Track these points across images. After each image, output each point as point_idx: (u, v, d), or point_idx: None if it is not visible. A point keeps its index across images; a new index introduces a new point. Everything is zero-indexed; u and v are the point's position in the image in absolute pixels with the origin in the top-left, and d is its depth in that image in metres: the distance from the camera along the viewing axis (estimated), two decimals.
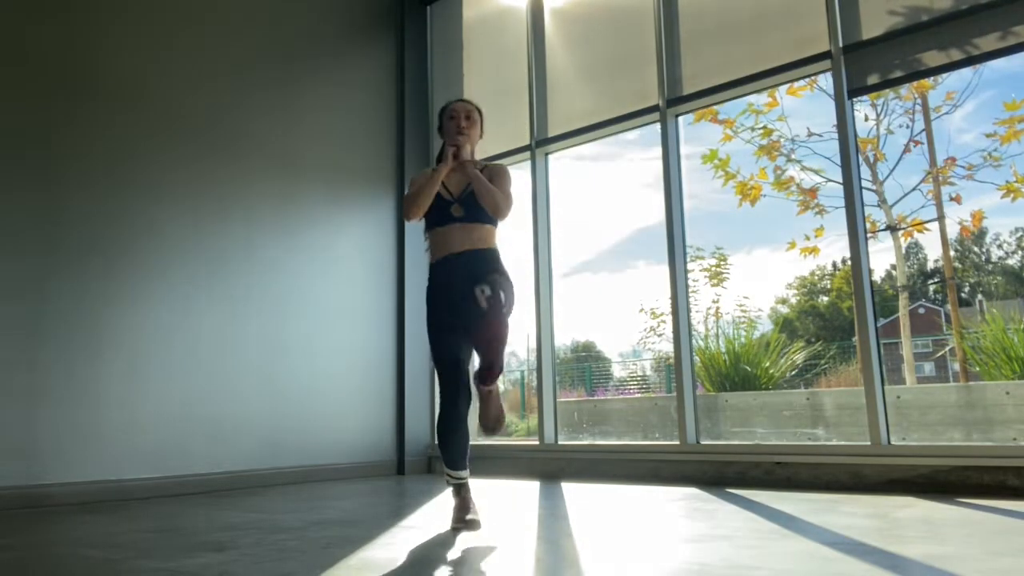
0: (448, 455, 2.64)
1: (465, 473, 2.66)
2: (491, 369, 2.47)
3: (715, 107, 5.50)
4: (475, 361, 2.67)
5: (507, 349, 2.56)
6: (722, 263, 6.81)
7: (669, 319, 4.07)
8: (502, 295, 2.47)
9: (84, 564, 2.02)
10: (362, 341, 4.88)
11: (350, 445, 4.71)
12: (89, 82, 3.87)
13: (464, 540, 2.29)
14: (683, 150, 4.25)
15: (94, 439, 3.64)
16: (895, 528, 2.29)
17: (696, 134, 6.30)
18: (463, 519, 2.53)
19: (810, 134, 6.08)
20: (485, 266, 2.62)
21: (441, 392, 2.66)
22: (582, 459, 4.29)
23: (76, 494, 3.53)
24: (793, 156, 6.12)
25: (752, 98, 5.70)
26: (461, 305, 2.56)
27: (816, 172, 6.03)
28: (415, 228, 5.25)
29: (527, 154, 4.80)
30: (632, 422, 5.32)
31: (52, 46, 3.77)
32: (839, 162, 3.62)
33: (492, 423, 2.63)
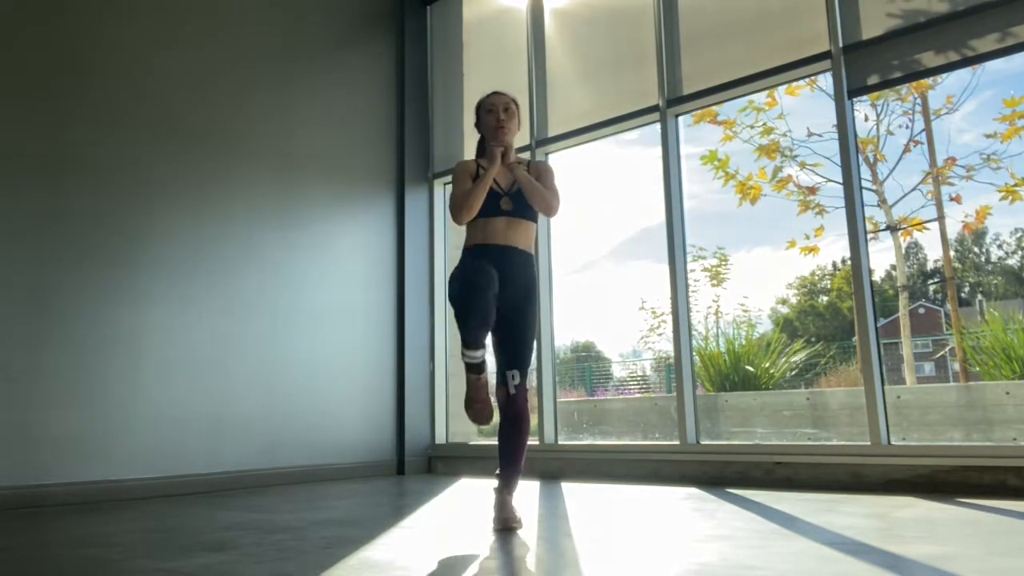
0: (466, 325, 2.46)
1: (480, 353, 2.53)
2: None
3: (715, 108, 5.50)
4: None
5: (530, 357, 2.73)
6: (722, 263, 6.81)
7: (669, 319, 4.07)
8: (525, 380, 2.64)
9: (84, 564, 2.02)
10: (362, 341, 4.88)
11: (350, 445, 4.71)
12: (89, 82, 3.87)
13: (464, 540, 2.30)
14: (683, 150, 4.25)
15: (94, 439, 3.64)
16: (895, 528, 2.29)
17: (696, 135, 6.29)
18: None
19: (810, 134, 6.07)
20: (524, 276, 2.69)
21: (462, 334, 2.48)
22: (582, 459, 4.29)
23: (76, 494, 3.53)
24: (792, 153, 6.12)
25: (752, 96, 5.69)
26: (493, 289, 2.50)
27: (815, 168, 6.03)
28: (415, 227, 5.25)
29: (527, 154, 4.80)
30: (632, 422, 5.32)
31: (52, 46, 3.76)
32: (839, 162, 3.62)
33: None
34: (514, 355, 2.67)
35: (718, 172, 6.00)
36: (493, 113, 2.77)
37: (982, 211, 5.77)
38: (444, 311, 5.21)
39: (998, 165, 5.42)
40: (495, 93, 2.84)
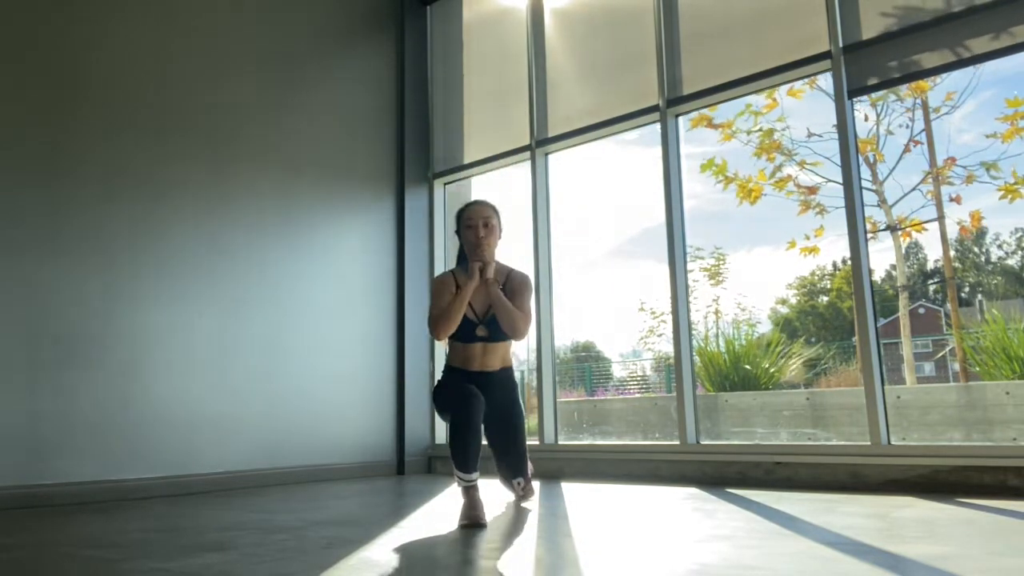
0: (461, 458, 2.68)
1: (475, 475, 2.68)
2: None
3: (710, 113, 5.50)
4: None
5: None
6: (722, 263, 6.81)
7: (669, 319, 4.07)
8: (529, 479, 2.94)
9: (84, 564, 2.02)
10: (362, 341, 4.88)
11: (350, 445, 4.71)
12: (88, 82, 3.87)
13: (464, 540, 2.29)
14: (683, 150, 4.25)
15: (94, 439, 3.64)
16: (895, 528, 2.29)
17: (696, 135, 6.29)
18: (471, 516, 2.54)
19: (810, 134, 6.07)
20: (505, 388, 2.89)
21: (455, 422, 2.72)
22: (582, 459, 4.29)
23: (76, 494, 3.53)
24: (792, 153, 6.12)
25: (751, 99, 5.69)
26: (480, 398, 2.75)
27: (814, 167, 6.03)
28: (415, 228, 5.25)
29: (527, 154, 4.80)
30: (632, 422, 5.33)
31: (52, 45, 3.77)
32: (839, 162, 3.62)
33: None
34: (517, 462, 2.91)
35: (718, 177, 6.00)
36: (473, 229, 2.85)
37: (975, 215, 5.78)
38: None
39: (998, 175, 5.43)
40: (475, 204, 2.92)
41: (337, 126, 4.99)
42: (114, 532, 2.59)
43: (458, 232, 2.94)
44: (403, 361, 5.01)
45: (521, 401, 3.00)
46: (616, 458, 4.14)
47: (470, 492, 2.66)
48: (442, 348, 5.24)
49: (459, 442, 2.67)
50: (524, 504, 2.93)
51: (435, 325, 2.77)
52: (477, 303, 2.83)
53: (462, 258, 2.99)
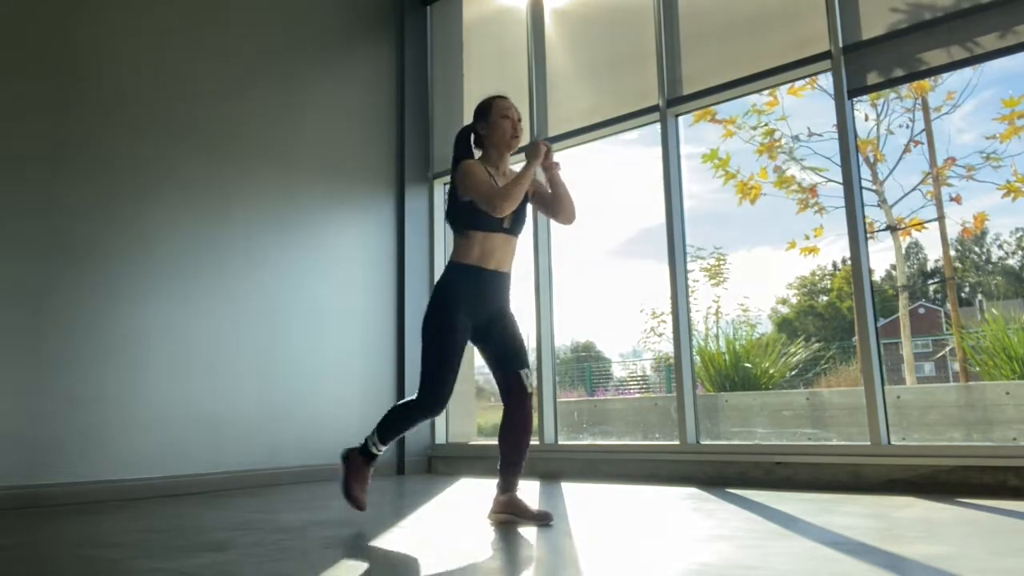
0: (393, 436, 2.81)
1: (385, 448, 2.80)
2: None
3: (714, 108, 5.50)
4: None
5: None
6: (722, 263, 6.81)
7: (669, 319, 4.07)
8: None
9: (84, 564, 2.02)
10: (362, 341, 4.87)
11: (350, 445, 4.69)
12: (87, 81, 3.87)
13: (464, 541, 2.29)
14: (683, 150, 4.25)
15: (94, 439, 3.64)
16: (895, 528, 2.29)
17: (696, 135, 6.30)
18: (360, 498, 2.76)
19: (810, 134, 6.08)
20: (507, 297, 2.73)
21: (431, 391, 2.60)
22: (582, 459, 4.29)
23: (76, 494, 3.53)
24: (793, 154, 6.12)
25: (753, 98, 5.70)
26: (484, 323, 2.66)
27: (815, 171, 6.03)
28: (415, 227, 5.25)
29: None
30: (632, 422, 5.32)
31: (50, 44, 3.76)
32: (839, 162, 3.62)
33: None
34: (520, 351, 2.71)
35: (718, 170, 6.00)
36: (510, 120, 2.74)
37: (980, 216, 5.78)
38: None
39: (999, 164, 5.42)
40: (507, 98, 2.81)
41: (337, 126, 4.99)
42: (114, 532, 2.59)
43: (483, 122, 2.76)
44: (403, 361, 5.01)
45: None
46: (616, 458, 4.14)
47: (369, 469, 2.80)
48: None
49: (408, 425, 2.75)
50: (530, 391, 2.72)
51: (501, 200, 2.54)
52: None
53: (467, 149, 2.80)
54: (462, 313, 2.60)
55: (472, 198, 2.61)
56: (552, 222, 4.67)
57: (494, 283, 2.66)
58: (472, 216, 2.61)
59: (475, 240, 2.63)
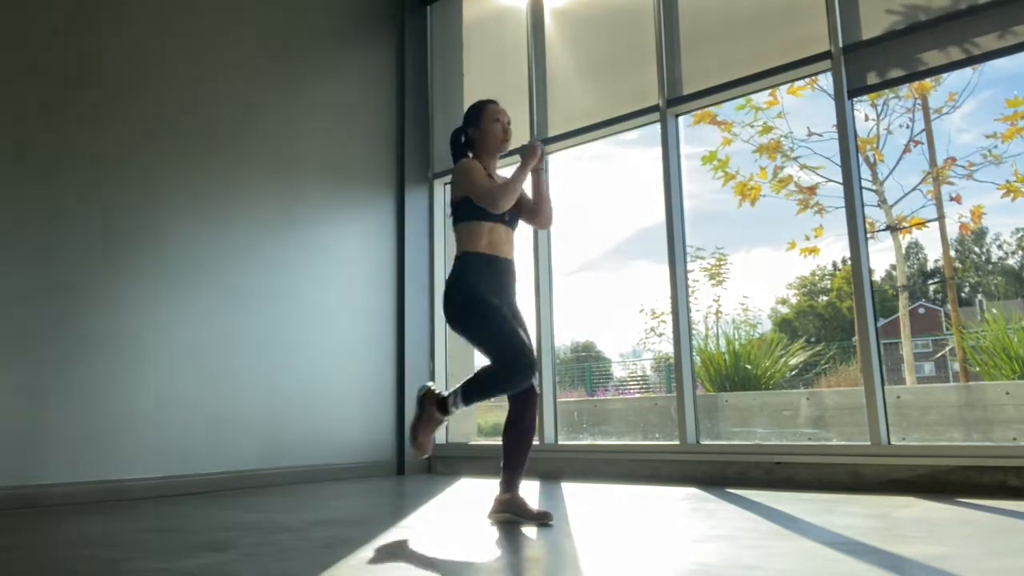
0: (478, 400, 2.74)
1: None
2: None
3: (713, 110, 5.50)
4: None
5: None
6: (722, 263, 6.82)
7: (669, 319, 4.07)
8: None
9: (84, 564, 2.02)
10: (362, 341, 4.87)
11: (350, 445, 4.71)
12: (87, 81, 3.87)
13: (463, 540, 2.30)
14: (683, 150, 4.25)
15: (94, 439, 3.64)
16: (895, 528, 2.29)
17: (696, 135, 6.29)
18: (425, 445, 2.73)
19: (810, 134, 6.07)
20: (516, 290, 2.82)
21: (511, 353, 2.61)
22: (582, 459, 4.29)
23: (76, 494, 3.53)
24: (793, 154, 6.12)
25: (752, 95, 5.69)
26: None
27: (814, 170, 6.03)
28: (415, 227, 5.25)
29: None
30: (632, 422, 5.33)
31: (51, 44, 3.76)
32: (839, 162, 3.62)
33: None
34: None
35: (717, 172, 6.00)
36: (501, 124, 2.84)
37: (976, 211, 5.78)
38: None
39: (1000, 161, 5.42)
40: (497, 103, 2.89)
41: (337, 126, 4.99)
42: (114, 532, 2.59)
43: (474, 125, 2.85)
44: (403, 361, 5.01)
45: None
46: (616, 458, 4.14)
47: (441, 419, 2.76)
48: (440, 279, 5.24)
49: (496, 390, 2.71)
50: (538, 391, 2.86)
51: (500, 196, 2.66)
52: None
53: (460, 150, 2.90)
54: (489, 294, 2.68)
55: (471, 194, 2.69)
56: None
57: (507, 271, 2.78)
58: (479, 208, 2.70)
59: (483, 230, 2.73)
